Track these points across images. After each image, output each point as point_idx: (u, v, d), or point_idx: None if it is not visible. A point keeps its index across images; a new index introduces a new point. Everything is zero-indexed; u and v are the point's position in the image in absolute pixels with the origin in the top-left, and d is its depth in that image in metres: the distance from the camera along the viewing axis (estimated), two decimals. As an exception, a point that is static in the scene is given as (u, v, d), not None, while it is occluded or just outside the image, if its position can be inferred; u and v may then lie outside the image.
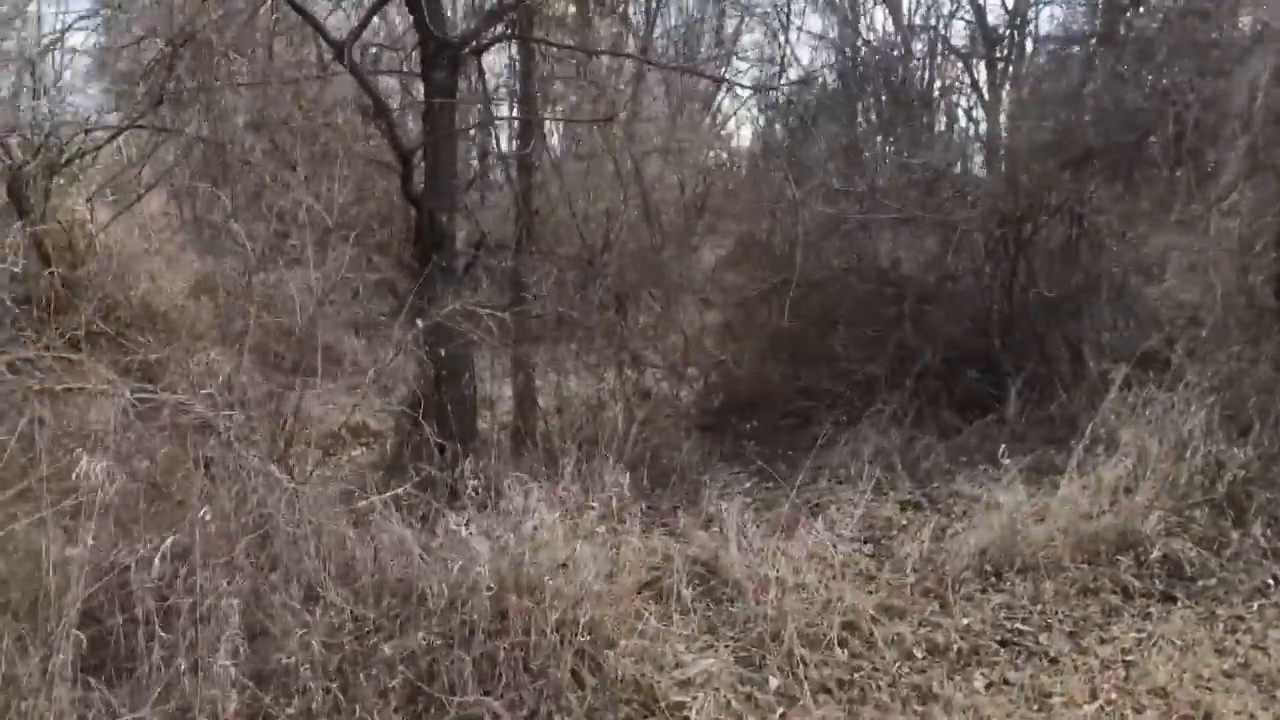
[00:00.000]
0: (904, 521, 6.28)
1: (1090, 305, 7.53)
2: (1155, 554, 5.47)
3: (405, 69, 6.83)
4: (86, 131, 7.69)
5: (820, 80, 10.72)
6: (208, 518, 3.72)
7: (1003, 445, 6.59)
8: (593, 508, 5.11)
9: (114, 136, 7.39)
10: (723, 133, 13.90)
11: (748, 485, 7.47)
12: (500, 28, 6.69)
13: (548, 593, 4.33)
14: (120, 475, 3.45)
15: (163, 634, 3.49)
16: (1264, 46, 6.23)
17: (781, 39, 13.47)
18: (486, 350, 8.62)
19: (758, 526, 6.14)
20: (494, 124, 7.16)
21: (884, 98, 11.41)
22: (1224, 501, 5.85)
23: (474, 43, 6.50)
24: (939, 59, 12.24)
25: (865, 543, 6.05)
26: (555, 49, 7.20)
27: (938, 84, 11.31)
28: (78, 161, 7.75)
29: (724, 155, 11.93)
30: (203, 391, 4.43)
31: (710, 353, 8.59)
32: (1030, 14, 11.02)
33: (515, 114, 7.07)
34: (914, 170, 8.20)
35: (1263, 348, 6.45)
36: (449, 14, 7.30)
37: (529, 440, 7.59)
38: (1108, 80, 7.37)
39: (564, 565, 4.67)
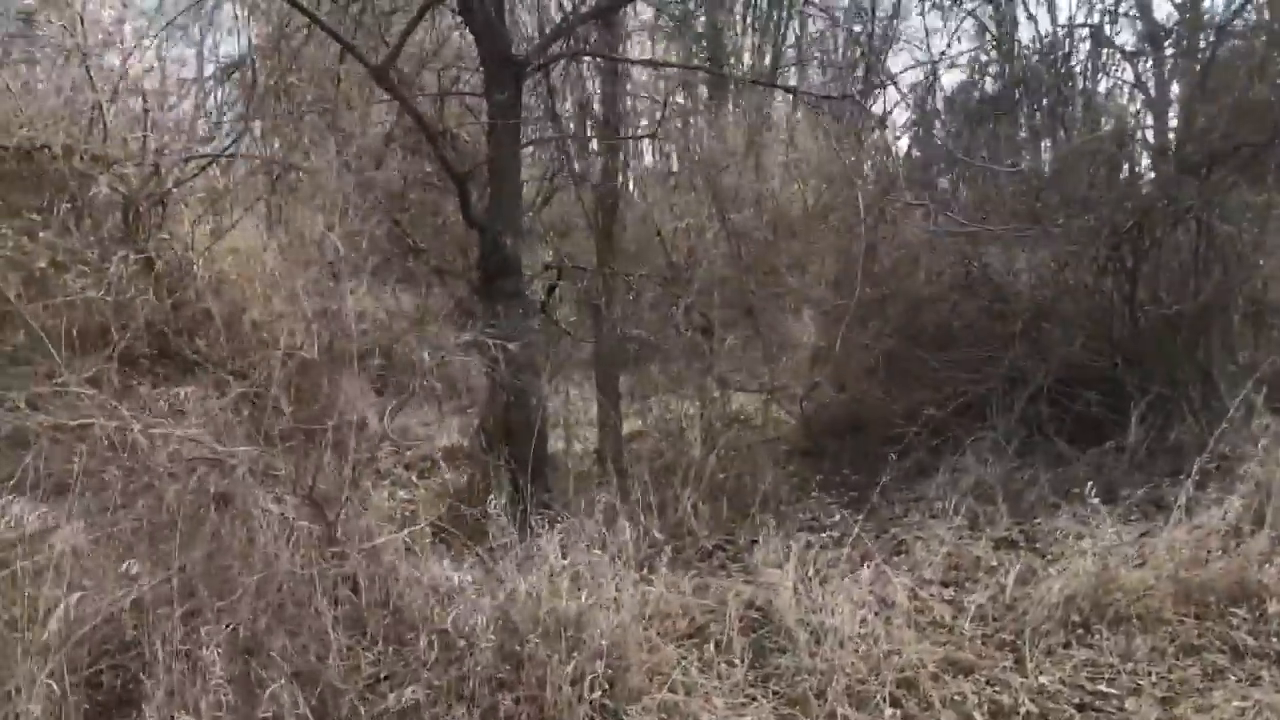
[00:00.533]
0: (994, 562, 5.75)
1: (1221, 323, 6.78)
2: (1275, 608, 4.82)
3: (464, 89, 6.72)
4: (186, 160, 7.93)
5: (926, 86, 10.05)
6: (201, 558, 3.65)
7: (1091, 481, 6.06)
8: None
9: (208, 164, 7.57)
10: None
11: (836, 519, 7.05)
12: (565, 43, 6.51)
13: (564, 642, 4.11)
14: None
15: (145, 681, 3.43)
16: None
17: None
18: (571, 372, 8.52)
19: (831, 566, 5.81)
20: (565, 142, 6.94)
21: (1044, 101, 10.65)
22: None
23: (538, 61, 6.35)
24: (1102, 57, 11.32)
25: (946, 585, 5.58)
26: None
27: (1102, 83, 10.36)
28: (179, 189, 7.99)
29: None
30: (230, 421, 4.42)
31: (806, 375, 8.19)
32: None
33: (573, 132, 6.83)
34: (1023, 177, 7.59)
35: None
36: (524, 27, 7.17)
37: (612, 467, 7.39)
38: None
39: (588, 610, 4.47)
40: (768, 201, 8.43)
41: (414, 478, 7.98)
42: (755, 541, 6.35)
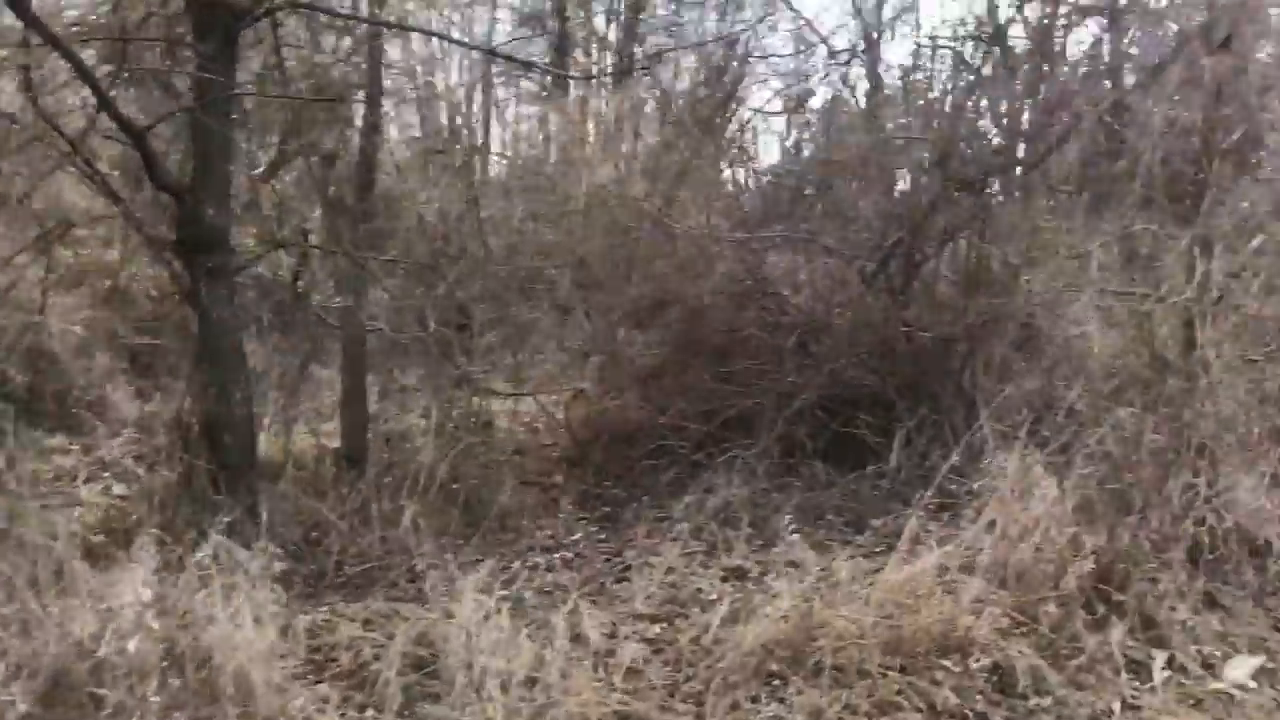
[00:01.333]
0: (714, 596, 5.27)
1: (988, 347, 6.48)
2: (982, 661, 4.46)
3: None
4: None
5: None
6: None
7: (843, 508, 5.69)
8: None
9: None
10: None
11: (577, 536, 6.54)
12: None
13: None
14: None
15: None
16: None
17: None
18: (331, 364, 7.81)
19: (545, 593, 5.30)
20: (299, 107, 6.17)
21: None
22: (1087, 596, 4.82)
23: (257, 9, 5.63)
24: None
25: (655, 621, 5.09)
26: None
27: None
28: None
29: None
30: None
31: (574, 379, 7.66)
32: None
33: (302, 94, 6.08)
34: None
35: (1160, 410, 5.40)
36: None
37: (340, 472, 6.72)
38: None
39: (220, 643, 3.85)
40: (548, 194, 7.86)
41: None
42: (480, 561, 5.79)
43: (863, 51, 8.21)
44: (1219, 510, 5.34)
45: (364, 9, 6.89)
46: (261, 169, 6.34)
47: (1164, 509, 5.28)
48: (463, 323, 7.07)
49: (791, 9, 10.66)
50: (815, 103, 9.31)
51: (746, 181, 7.24)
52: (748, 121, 10.98)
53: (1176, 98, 5.47)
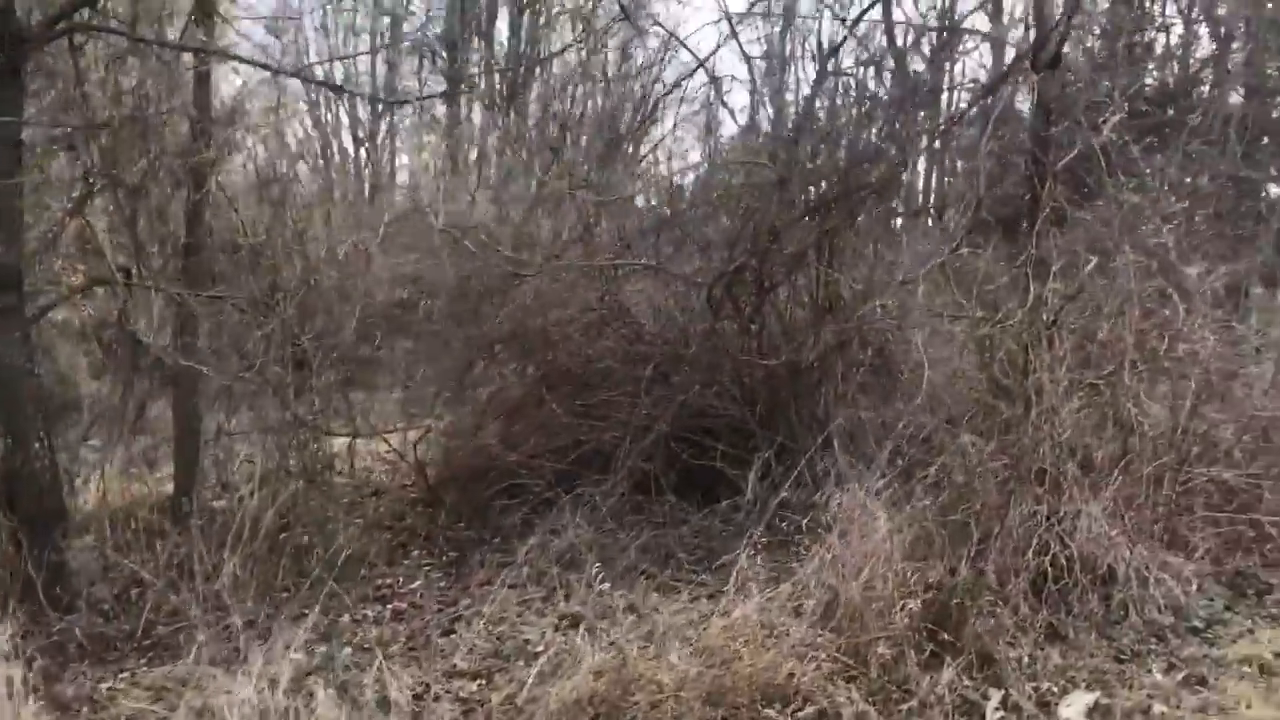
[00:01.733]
0: (540, 648, 4.98)
1: (839, 374, 6.31)
2: (807, 710, 4.24)
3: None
4: None
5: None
6: None
7: (695, 544, 5.45)
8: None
9: None
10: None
11: (417, 584, 6.22)
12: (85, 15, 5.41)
13: None
14: None
15: None
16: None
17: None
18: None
19: (365, 649, 4.97)
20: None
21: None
22: (920, 635, 4.64)
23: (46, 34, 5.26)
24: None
25: (476, 678, 4.79)
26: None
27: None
28: None
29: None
30: None
31: (422, 417, 7.33)
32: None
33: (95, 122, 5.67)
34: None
35: (1000, 437, 5.27)
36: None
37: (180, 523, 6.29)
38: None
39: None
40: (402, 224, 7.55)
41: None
42: (304, 615, 5.45)
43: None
44: (1062, 538, 5.22)
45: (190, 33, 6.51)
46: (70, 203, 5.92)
47: (1005, 539, 5.15)
48: (301, 360, 6.70)
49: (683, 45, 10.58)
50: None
51: (592, 208, 6.96)
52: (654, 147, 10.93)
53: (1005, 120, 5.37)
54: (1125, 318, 5.24)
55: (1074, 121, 5.18)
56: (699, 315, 6.66)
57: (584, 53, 14.09)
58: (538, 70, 15.17)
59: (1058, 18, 5.22)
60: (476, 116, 13.66)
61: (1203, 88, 12.09)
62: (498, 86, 13.32)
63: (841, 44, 6.50)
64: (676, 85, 10.82)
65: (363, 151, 15.07)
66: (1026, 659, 4.72)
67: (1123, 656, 4.90)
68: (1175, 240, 5.43)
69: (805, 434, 6.40)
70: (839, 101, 6.53)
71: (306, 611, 5.49)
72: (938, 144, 5.70)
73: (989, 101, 5.55)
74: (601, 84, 13.92)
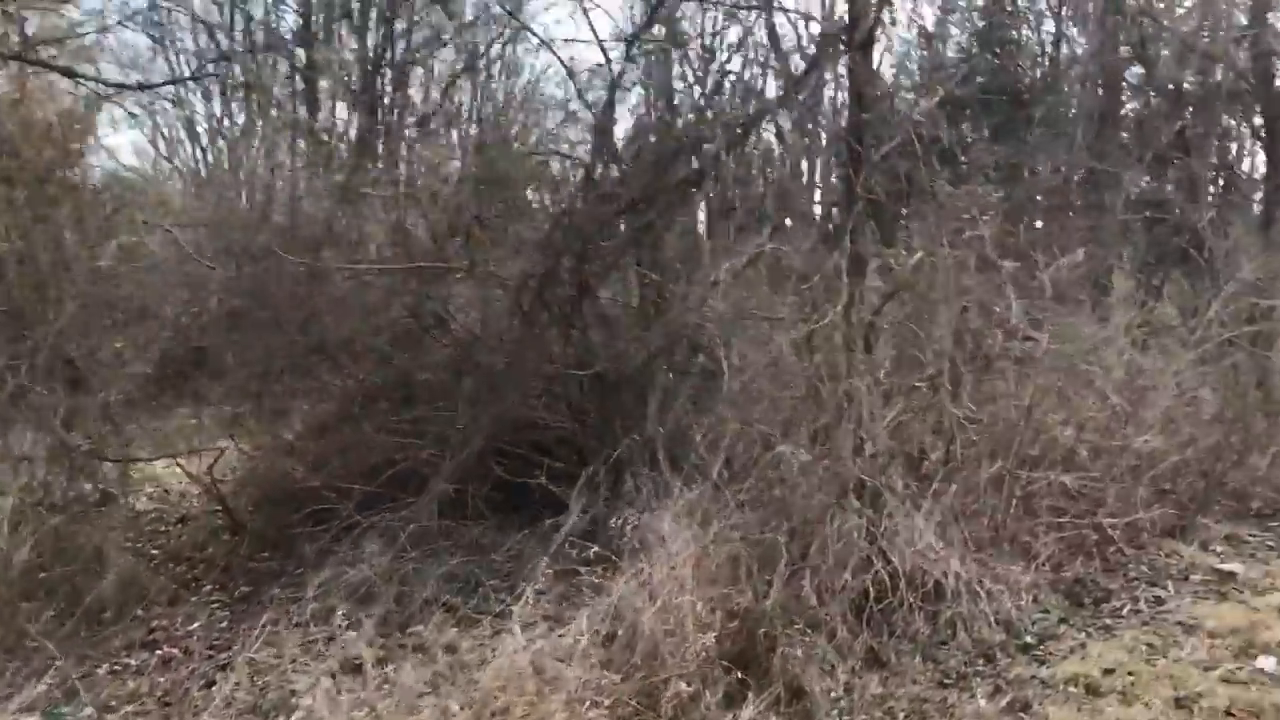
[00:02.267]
0: (307, 699, 4.41)
1: (661, 382, 5.85)
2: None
3: None
4: None
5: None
6: None
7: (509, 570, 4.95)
8: None
9: None
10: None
11: (196, 626, 5.58)
12: None
13: None
14: None
15: None
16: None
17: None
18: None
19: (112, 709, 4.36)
20: None
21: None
22: (722, 669, 4.21)
23: None
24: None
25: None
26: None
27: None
28: None
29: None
30: None
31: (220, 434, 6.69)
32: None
33: None
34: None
35: (816, 449, 4.87)
36: None
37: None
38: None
39: None
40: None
41: None
42: (53, 665, 4.82)
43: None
44: (885, 554, 4.85)
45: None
46: None
47: (822, 557, 4.75)
48: (76, 378, 6.01)
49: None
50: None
51: (408, 210, 6.39)
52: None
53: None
54: (948, 315, 4.88)
55: (890, 109, 4.81)
56: (510, 321, 6.13)
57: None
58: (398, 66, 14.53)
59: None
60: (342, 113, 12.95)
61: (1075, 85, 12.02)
62: (347, 80, 12.65)
63: (644, 30, 5.97)
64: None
65: (198, 151, 14.24)
66: (841, 689, 4.33)
67: (947, 681, 4.56)
68: (992, 233, 5.09)
69: (630, 447, 5.92)
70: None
71: (56, 661, 4.87)
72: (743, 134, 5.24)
73: (802, 88, 5.15)
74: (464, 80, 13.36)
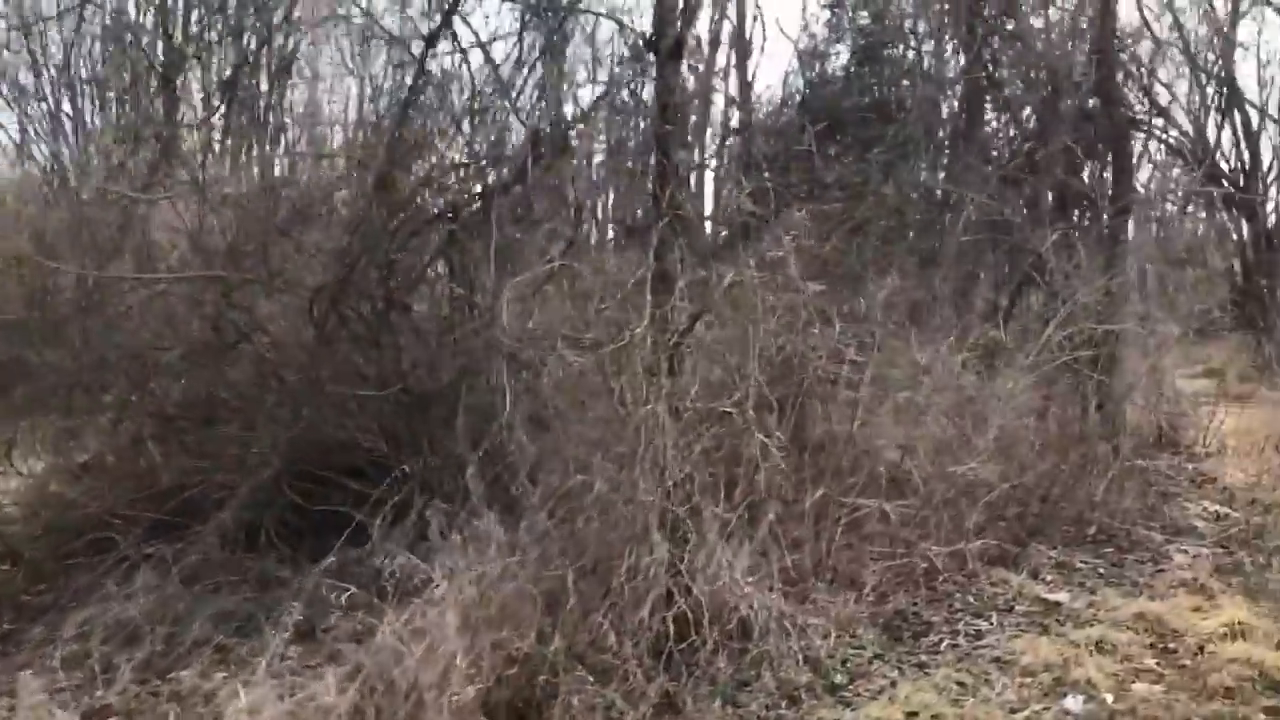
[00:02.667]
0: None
1: (470, 401, 5.46)
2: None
3: None
4: None
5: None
6: None
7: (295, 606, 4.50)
8: None
9: None
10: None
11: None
12: None
13: None
14: None
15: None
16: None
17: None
18: None
19: None
20: None
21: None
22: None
23: None
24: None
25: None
26: None
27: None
28: None
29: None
30: None
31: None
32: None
33: None
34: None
35: (621, 476, 4.55)
36: None
37: None
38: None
39: None
40: None
41: None
42: None
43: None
44: (689, 589, 4.56)
45: None
46: None
47: (617, 595, 4.43)
48: None
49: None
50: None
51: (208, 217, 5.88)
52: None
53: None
54: (751, 338, 4.62)
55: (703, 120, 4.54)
56: (315, 336, 5.69)
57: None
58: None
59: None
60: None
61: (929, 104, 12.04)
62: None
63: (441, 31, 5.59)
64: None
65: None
66: (626, 742, 4.01)
67: (745, 726, 4.28)
68: (799, 253, 4.86)
69: (436, 471, 5.54)
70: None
71: None
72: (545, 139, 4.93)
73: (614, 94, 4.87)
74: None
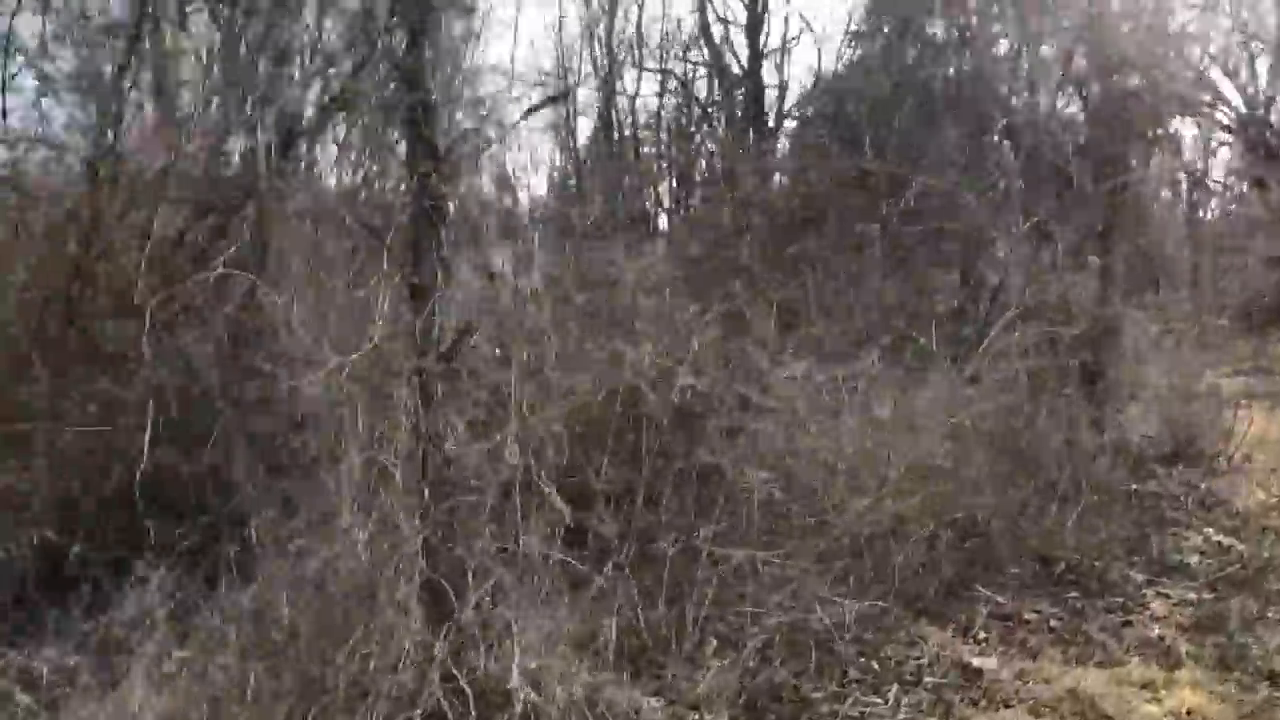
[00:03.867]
0: None
1: (263, 426, 4.57)
2: None
3: None
4: None
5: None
6: None
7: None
8: None
9: None
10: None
11: None
12: None
13: None
14: None
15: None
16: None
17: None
18: None
19: None
20: None
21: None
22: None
23: None
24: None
25: None
26: None
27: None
28: None
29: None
30: None
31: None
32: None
33: None
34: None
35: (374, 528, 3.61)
36: None
37: None
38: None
39: None
40: None
41: None
42: None
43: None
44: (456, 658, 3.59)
45: None
46: None
47: (375, 680, 3.47)
48: None
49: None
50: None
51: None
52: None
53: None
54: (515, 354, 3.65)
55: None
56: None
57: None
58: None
59: None
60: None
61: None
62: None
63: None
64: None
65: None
66: None
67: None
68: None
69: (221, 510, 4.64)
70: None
71: None
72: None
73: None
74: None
